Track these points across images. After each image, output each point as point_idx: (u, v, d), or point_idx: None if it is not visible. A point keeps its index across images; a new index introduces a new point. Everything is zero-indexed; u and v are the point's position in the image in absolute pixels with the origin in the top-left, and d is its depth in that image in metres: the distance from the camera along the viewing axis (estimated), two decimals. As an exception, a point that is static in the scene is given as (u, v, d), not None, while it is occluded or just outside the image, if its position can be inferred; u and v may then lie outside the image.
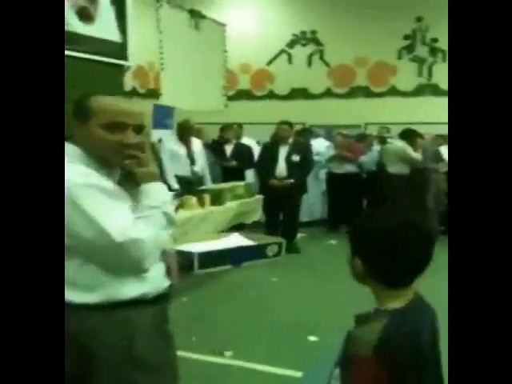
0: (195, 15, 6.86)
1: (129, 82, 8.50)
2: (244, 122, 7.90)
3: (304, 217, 6.81)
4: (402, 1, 8.98)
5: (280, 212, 5.97)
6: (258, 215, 5.53)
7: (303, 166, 5.84)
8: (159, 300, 1.55)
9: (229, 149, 6.52)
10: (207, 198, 4.52)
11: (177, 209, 4.06)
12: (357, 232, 1.36)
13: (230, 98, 8.88)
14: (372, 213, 1.61)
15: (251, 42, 9.76)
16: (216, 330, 3.78)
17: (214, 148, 6.43)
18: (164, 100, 6.24)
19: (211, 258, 4.71)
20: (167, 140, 5.40)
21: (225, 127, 6.62)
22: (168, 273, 1.61)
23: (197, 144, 5.39)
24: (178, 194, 4.40)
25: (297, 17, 9.81)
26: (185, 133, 5.23)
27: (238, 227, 5.48)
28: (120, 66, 5.22)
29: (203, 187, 4.89)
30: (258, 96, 10.20)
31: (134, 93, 8.80)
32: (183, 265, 4.11)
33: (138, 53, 8.24)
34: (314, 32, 9.84)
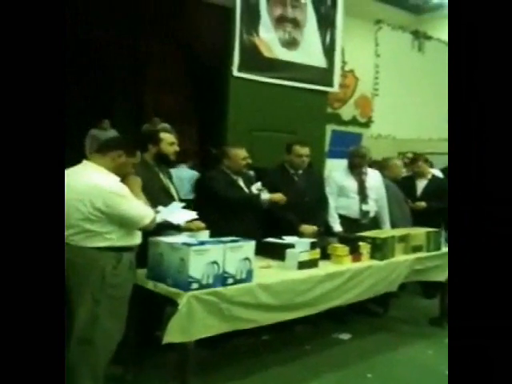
0: (419, 36, 6.27)
1: (350, 111, 8.27)
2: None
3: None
4: None
5: None
6: (445, 275, 3.86)
7: None
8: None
9: (421, 185, 4.74)
10: (365, 247, 3.36)
11: (319, 259, 3.10)
12: None
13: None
14: None
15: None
16: None
17: (403, 183, 4.71)
18: (375, 128, 5.77)
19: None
20: (337, 172, 4.25)
21: (416, 157, 4.93)
22: None
23: (374, 178, 4.25)
24: (321, 241, 3.36)
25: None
26: (356, 163, 4.12)
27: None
28: (325, 92, 4.93)
29: (364, 233, 3.52)
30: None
31: (353, 122, 8.49)
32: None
33: (362, 82, 7.98)
34: None
